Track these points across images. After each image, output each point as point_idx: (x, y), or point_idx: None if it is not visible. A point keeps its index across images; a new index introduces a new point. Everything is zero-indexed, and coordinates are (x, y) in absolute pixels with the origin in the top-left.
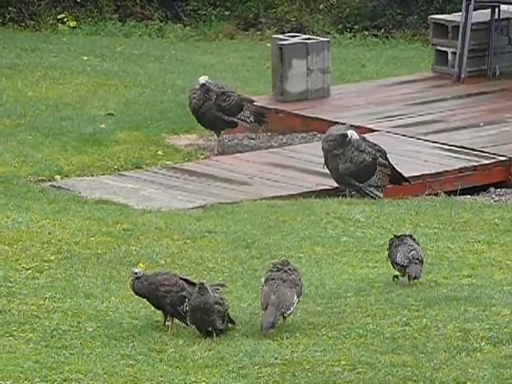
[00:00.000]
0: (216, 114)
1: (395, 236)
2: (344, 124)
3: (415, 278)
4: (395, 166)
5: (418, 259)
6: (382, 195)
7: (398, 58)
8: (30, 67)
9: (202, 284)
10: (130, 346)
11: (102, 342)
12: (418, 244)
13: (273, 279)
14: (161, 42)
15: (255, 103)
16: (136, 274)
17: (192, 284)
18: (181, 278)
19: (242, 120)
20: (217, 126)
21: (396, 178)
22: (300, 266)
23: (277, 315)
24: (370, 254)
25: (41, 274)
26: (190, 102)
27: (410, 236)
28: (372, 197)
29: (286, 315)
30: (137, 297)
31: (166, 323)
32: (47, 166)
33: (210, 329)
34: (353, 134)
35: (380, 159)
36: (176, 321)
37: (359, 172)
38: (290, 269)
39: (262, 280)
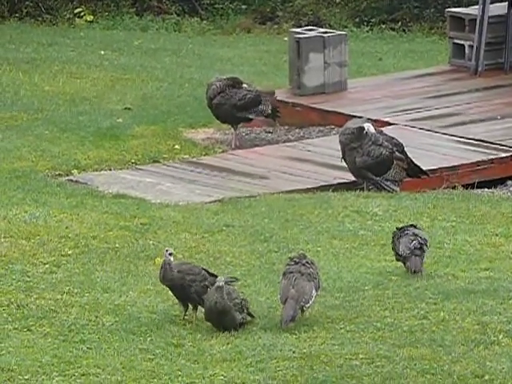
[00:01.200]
0: (229, 108)
1: (397, 229)
2: (361, 117)
3: (415, 272)
4: (413, 159)
5: (417, 249)
6: (398, 189)
7: (415, 52)
8: (47, 62)
9: (219, 286)
10: (147, 341)
11: (119, 337)
12: (421, 230)
13: (291, 272)
14: (178, 36)
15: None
16: (171, 254)
17: (212, 275)
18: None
19: (255, 113)
20: (229, 120)
21: (414, 171)
22: (317, 260)
23: (296, 309)
24: (387, 247)
25: (58, 268)
26: (208, 88)
27: (412, 225)
28: (388, 191)
29: (305, 309)
30: (155, 290)
31: (185, 317)
32: (64, 161)
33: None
34: (369, 127)
35: (397, 153)
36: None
37: (376, 165)
38: (307, 262)
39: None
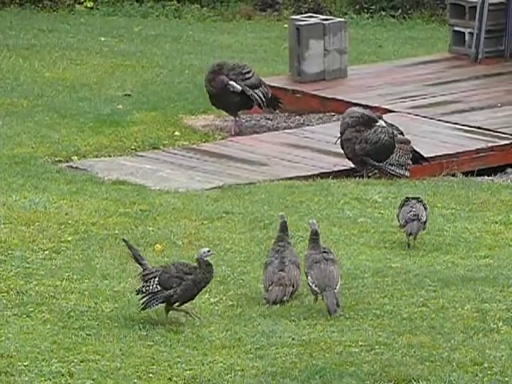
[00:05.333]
0: (228, 82)
1: (406, 198)
2: (362, 106)
3: (410, 234)
4: (413, 146)
5: (415, 216)
6: (407, 173)
7: (415, 39)
8: (48, 48)
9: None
10: (146, 327)
11: (119, 323)
12: (424, 207)
13: (319, 261)
14: (178, 22)
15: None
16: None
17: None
18: None
19: (257, 95)
20: (230, 104)
21: (415, 157)
22: None
23: (335, 295)
24: (387, 234)
25: (58, 254)
26: (205, 85)
27: (417, 199)
28: (396, 176)
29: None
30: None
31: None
32: (64, 147)
33: None
34: (382, 124)
35: (399, 136)
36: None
37: (376, 151)
38: (325, 248)
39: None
